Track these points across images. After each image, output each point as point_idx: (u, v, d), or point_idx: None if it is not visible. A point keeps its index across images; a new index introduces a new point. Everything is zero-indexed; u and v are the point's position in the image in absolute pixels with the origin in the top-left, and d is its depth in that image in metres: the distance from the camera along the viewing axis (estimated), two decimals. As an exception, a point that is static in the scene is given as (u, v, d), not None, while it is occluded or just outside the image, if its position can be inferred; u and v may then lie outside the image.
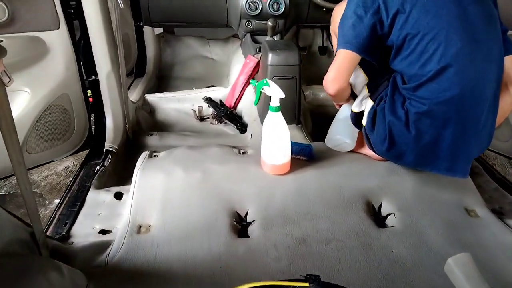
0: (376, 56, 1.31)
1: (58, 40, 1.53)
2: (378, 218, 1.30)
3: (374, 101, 1.37)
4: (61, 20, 1.51)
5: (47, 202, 2.23)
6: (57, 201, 2.22)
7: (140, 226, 1.24)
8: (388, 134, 1.30)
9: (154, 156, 1.51)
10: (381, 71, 1.36)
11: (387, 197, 1.34)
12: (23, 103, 1.48)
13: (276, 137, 1.37)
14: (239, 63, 2.52)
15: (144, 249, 1.15)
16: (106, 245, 1.20)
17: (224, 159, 1.47)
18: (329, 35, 2.98)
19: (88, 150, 1.83)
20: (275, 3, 2.24)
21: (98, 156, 1.74)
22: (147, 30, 2.68)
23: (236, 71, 2.46)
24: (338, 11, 1.43)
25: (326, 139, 1.59)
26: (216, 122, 2.17)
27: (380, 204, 1.34)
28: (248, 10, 2.25)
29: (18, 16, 1.40)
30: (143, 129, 2.06)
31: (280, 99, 1.34)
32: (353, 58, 1.30)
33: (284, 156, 1.39)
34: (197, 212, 1.26)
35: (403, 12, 1.21)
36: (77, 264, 1.09)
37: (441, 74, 1.18)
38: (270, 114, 1.36)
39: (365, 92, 1.40)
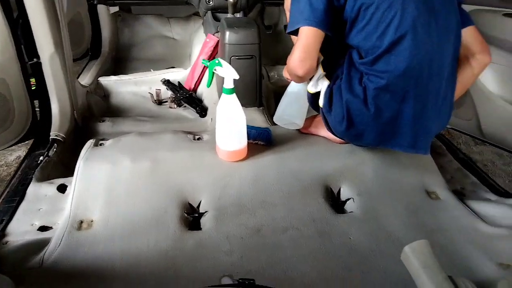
0: (334, 31, 1.23)
1: (-13, 18, 1.38)
2: (337, 204, 1.25)
3: (330, 80, 1.29)
4: (-8, -2, 1.36)
5: (-4, 195, 2.09)
6: (6, 194, 2.09)
7: (82, 222, 1.14)
8: (346, 114, 1.23)
9: (101, 144, 1.40)
10: (336, 48, 1.28)
11: (346, 181, 1.28)
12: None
13: (230, 122, 1.28)
14: (201, 42, 2.39)
15: (84, 246, 1.06)
16: (43, 243, 1.10)
17: (177, 146, 1.38)
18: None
19: (33, 139, 1.70)
20: (236, -22, 2.12)
21: (43, 145, 1.61)
22: (101, 8, 2.51)
23: (198, 51, 2.35)
24: None
25: (274, 117, 1.52)
26: (175, 106, 2.06)
27: (340, 189, 1.28)
28: (207, -14, 2.13)
29: None
30: (95, 115, 1.93)
31: (239, 80, 1.25)
32: (318, 35, 1.20)
33: (239, 141, 1.31)
34: (145, 205, 1.18)
35: None
36: (9, 267, 1.00)
37: (399, 44, 1.13)
38: (223, 97, 1.27)
39: (321, 71, 1.32)
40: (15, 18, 1.52)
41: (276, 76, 2.24)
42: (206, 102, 2.02)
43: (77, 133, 1.74)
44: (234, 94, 1.27)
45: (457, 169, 1.50)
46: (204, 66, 2.07)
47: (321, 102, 1.33)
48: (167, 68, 2.39)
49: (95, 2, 2.41)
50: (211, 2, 2.22)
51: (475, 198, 1.32)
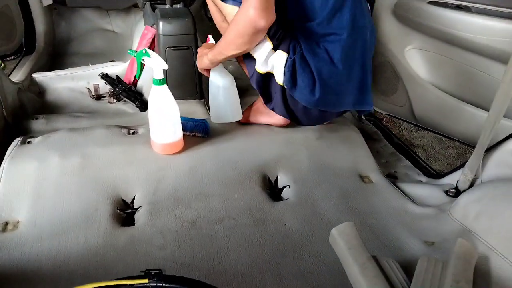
0: None
1: None
2: (274, 192, 1.26)
3: (287, 51, 1.24)
4: None
5: None
6: None
7: (7, 224, 1.08)
8: (319, 80, 1.22)
9: (29, 142, 1.34)
10: (282, 19, 1.22)
11: (283, 169, 1.30)
12: None
13: (162, 113, 1.25)
14: (140, 35, 2.34)
15: (8, 249, 1.01)
16: (-36, 249, 1.03)
17: (109, 141, 1.34)
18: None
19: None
20: (173, -33, 2.08)
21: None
22: (33, 1, 2.38)
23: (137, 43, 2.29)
24: None
25: (211, 118, 1.49)
26: (114, 100, 1.99)
27: (277, 177, 1.29)
28: (144, -25, 2.07)
29: None
30: (29, 113, 1.83)
31: (177, 72, 1.23)
32: None
33: (174, 133, 1.29)
34: (74, 203, 1.13)
35: None
36: None
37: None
38: (154, 88, 1.24)
39: (270, 47, 1.24)
40: None
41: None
42: (146, 95, 1.97)
43: (8, 132, 1.64)
44: (165, 85, 1.25)
45: (391, 153, 1.56)
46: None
47: (280, 79, 1.28)
48: (107, 62, 2.30)
49: (25, -5, 2.28)
50: (149, -7, 2.16)
51: (407, 181, 1.38)
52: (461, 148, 2.26)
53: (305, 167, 1.30)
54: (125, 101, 1.98)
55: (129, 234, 1.07)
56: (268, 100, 1.39)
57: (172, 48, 1.60)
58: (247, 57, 1.33)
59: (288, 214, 1.15)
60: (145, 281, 0.63)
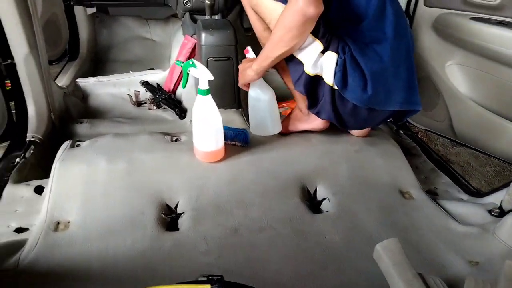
0: None
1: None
2: (313, 203, 1.27)
3: (337, 52, 1.25)
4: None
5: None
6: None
7: (58, 223, 1.14)
8: (371, 79, 1.23)
9: (77, 145, 1.39)
10: (325, 20, 1.26)
11: (322, 181, 1.31)
12: None
13: (206, 123, 1.29)
14: (179, 44, 2.40)
15: (60, 247, 1.06)
16: (19, 245, 1.09)
17: (154, 147, 1.38)
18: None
19: (9, 141, 1.67)
20: (214, -20, 2.13)
21: (20, 147, 1.59)
22: (78, 9, 2.49)
23: (176, 52, 2.35)
24: None
25: (251, 129, 1.52)
26: (154, 107, 2.05)
27: (316, 189, 1.30)
28: (185, -13, 2.13)
29: None
30: (74, 117, 1.91)
31: (216, 82, 1.27)
32: None
33: (216, 142, 1.32)
34: (121, 206, 1.18)
35: None
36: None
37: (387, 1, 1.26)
38: (199, 98, 1.28)
39: (318, 48, 1.25)
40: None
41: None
42: (185, 103, 2.02)
43: (55, 135, 1.71)
44: (210, 95, 1.28)
45: (431, 169, 1.55)
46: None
47: (330, 80, 1.28)
48: (146, 70, 2.38)
49: (72, 3, 2.38)
50: (188, 4, 2.22)
51: (448, 198, 1.36)
52: (499, 166, 2.21)
53: (345, 180, 1.31)
54: (164, 108, 2.04)
55: (174, 238, 1.10)
56: (313, 104, 1.40)
57: (213, 59, 1.64)
58: (291, 62, 1.34)
59: (328, 226, 1.15)
60: (208, 286, 0.65)
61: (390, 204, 1.26)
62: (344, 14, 1.28)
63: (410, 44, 1.33)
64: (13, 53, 1.53)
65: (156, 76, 2.18)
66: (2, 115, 1.58)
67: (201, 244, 1.08)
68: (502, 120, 1.48)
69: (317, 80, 1.32)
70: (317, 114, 1.41)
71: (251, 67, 1.36)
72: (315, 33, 1.25)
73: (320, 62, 1.27)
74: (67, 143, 1.39)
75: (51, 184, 1.23)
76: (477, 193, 1.40)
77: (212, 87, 1.64)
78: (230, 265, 1.02)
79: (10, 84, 1.65)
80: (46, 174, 1.48)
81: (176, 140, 1.46)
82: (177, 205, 1.22)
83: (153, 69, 2.42)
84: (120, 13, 2.60)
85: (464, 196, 1.39)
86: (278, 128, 1.50)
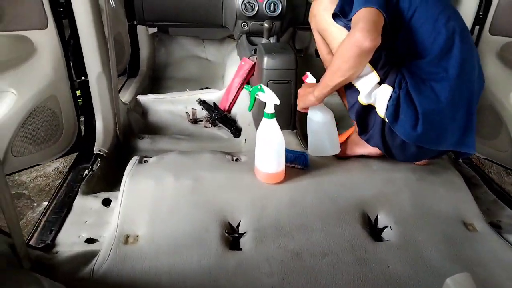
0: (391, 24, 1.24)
1: (45, 39, 1.47)
2: (374, 231, 1.26)
3: (392, 86, 1.26)
4: (49, 19, 1.46)
5: (35, 204, 2.17)
6: (45, 203, 2.17)
7: (128, 236, 1.19)
8: (422, 117, 1.23)
9: (144, 161, 1.46)
10: (387, 52, 1.28)
11: (383, 208, 1.30)
12: (9, 104, 1.43)
13: (270, 145, 1.32)
14: (234, 64, 2.47)
15: (131, 260, 1.10)
16: (91, 255, 1.15)
17: (217, 166, 1.43)
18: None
19: (77, 154, 1.78)
20: (272, 4, 2.20)
21: (87, 159, 1.69)
22: (140, 29, 2.62)
23: (232, 72, 2.41)
24: (319, 6, 1.38)
25: (309, 151, 1.54)
26: (210, 125, 2.12)
27: (377, 216, 1.30)
28: (244, 11, 2.20)
29: (3, 15, 1.34)
30: (135, 132, 2.00)
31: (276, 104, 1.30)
32: (379, 17, 1.18)
33: (278, 164, 1.35)
34: (187, 222, 1.22)
35: None
36: (61, 276, 1.05)
37: (452, 40, 1.25)
38: (264, 121, 1.32)
39: (375, 79, 1.27)
40: (66, 39, 1.62)
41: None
42: (240, 123, 2.08)
43: (119, 149, 1.81)
44: (275, 119, 1.32)
45: (493, 200, 1.50)
46: (239, 88, 2.13)
47: (382, 112, 1.29)
48: (201, 88, 2.46)
49: (135, 23, 2.52)
50: (246, 27, 2.30)
51: (512, 232, 1.32)
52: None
53: (407, 208, 1.30)
54: (220, 126, 2.10)
55: (238, 258, 1.12)
56: (363, 131, 1.41)
57: (273, 82, 1.68)
58: (348, 88, 1.36)
59: (391, 255, 1.14)
60: None
61: (454, 236, 1.23)
62: (407, 48, 1.29)
63: (475, 85, 1.30)
64: (87, 71, 1.64)
65: (212, 95, 2.25)
66: (73, 129, 1.69)
67: (264, 265, 1.10)
68: None
69: (370, 108, 1.33)
70: (367, 141, 1.42)
71: (312, 92, 1.39)
72: (375, 64, 1.26)
73: (375, 93, 1.29)
74: (135, 159, 1.46)
75: (121, 197, 1.29)
76: (545, 229, 1.34)
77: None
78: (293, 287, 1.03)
79: (81, 101, 1.77)
80: (110, 187, 1.57)
81: (236, 160, 1.50)
82: (239, 224, 1.25)
83: (208, 87, 2.50)
84: (179, 34, 2.72)
85: (531, 231, 1.33)
86: (336, 149, 1.51)
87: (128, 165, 1.44)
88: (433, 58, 1.25)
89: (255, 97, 1.34)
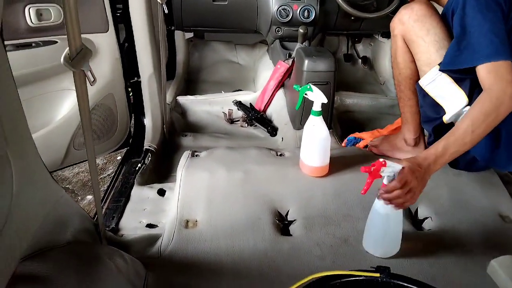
0: None
1: (106, 42, 1.60)
2: (415, 221, 1.34)
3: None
4: (110, 24, 1.58)
5: (79, 198, 2.30)
6: (89, 197, 2.30)
7: (188, 221, 1.29)
8: (503, 141, 1.27)
9: (196, 155, 1.57)
10: (475, 76, 1.21)
11: (423, 201, 1.38)
12: (72, 101, 1.56)
13: (317, 140, 1.42)
14: (266, 68, 2.59)
15: (193, 242, 1.21)
16: (155, 238, 1.26)
17: (263, 160, 1.53)
18: (354, 43, 3.04)
19: (127, 148, 1.90)
20: (306, 11, 2.30)
21: (137, 154, 1.81)
22: (178, 34, 2.75)
23: (263, 76, 2.53)
24: (410, 15, 1.37)
25: (365, 245, 1.21)
26: (246, 125, 2.22)
27: (417, 209, 1.38)
28: (279, 17, 2.31)
29: (72, 19, 1.47)
30: (177, 130, 2.12)
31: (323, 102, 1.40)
32: (510, 68, 1.13)
33: (324, 158, 1.44)
34: (241, 210, 1.32)
35: None
36: (132, 254, 1.15)
37: None
38: (311, 118, 1.42)
39: (464, 101, 1.29)
40: (121, 43, 1.75)
41: (338, 101, 2.36)
42: (276, 122, 2.18)
43: (165, 145, 1.92)
44: (321, 116, 1.42)
45: (526, 196, 1.57)
46: (275, 90, 2.24)
47: None
48: (234, 91, 2.57)
49: (173, 29, 2.65)
50: (280, 32, 2.41)
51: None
52: None
53: (445, 201, 1.38)
54: (255, 126, 2.21)
55: (290, 242, 1.22)
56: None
57: (313, 83, 1.77)
58: (431, 104, 1.39)
59: (433, 243, 1.23)
60: (377, 275, 0.76)
61: (492, 226, 1.31)
62: None
63: None
64: (140, 72, 1.77)
65: (247, 97, 2.36)
66: (126, 125, 1.81)
67: (315, 249, 1.19)
68: None
69: (451, 126, 1.28)
70: None
71: (427, 171, 1.16)
72: (465, 86, 1.29)
73: (460, 114, 1.31)
74: (187, 153, 1.57)
75: (179, 187, 1.40)
76: None
77: (307, 109, 1.80)
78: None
79: (132, 100, 1.89)
80: (160, 179, 1.69)
81: (281, 155, 1.60)
82: (287, 213, 1.35)
83: (241, 90, 2.61)
84: (214, 39, 2.84)
85: None
86: (396, 249, 1.18)
87: (181, 159, 1.55)
88: None
89: (304, 96, 1.44)
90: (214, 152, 1.58)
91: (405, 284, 0.80)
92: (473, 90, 1.27)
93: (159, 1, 1.58)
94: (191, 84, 2.85)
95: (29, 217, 0.75)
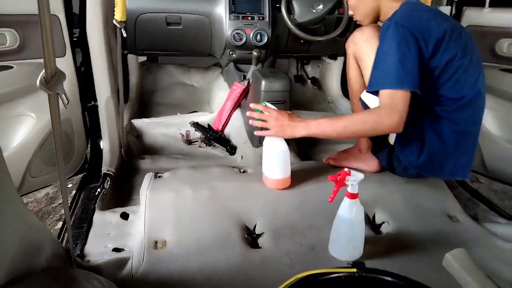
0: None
1: (63, 66, 1.56)
2: (374, 226, 1.43)
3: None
4: (67, 48, 1.57)
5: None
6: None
7: (156, 242, 1.29)
8: (427, 150, 1.41)
9: (159, 177, 1.58)
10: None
11: (380, 207, 1.48)
12: (28, 127, 1.52)
13: (276, 154, 1.49)
14: (220, 90, 2.65)
15: (164, 262, 1.21)
16: (124, 261, 1.24)
17: (227, 177, 1.57)
18: (303, 65, 3.19)
19: (83, 174, 1.86)
20: (259, 35, 2.40)
21: (95, 179, 1.77)
22: (131, 58, 2.75)
23: (219, 97, 2.59)
24: (361, 36, 1.52)
25: (330, 249, 1.29)
26: (204, 145, 2.25)
27: (374, 214, 1.47)
28: (233, 41, 2.39)
29: (28, 43, 1.45)
30: (134, 153, 2.10)
31: None
32: (409, 97, 1.27)
33: (284, 171, 1.51)
34: (210, 227, 1.34)
35: (441, 47, 1.31)
36: (105, 277, 1.13)
37: (474, 100, 1.37)
38: None
39: None
40: (78, 66, 1.73)
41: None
42: (234, 141, 2.22)
43: (123, 168, 1.90)
44: None
45: (468, 198, 1.73)
46: (231, 110, 2.30)
47: (392, 140, 1.49)
48: (189, 112, 2.60)
49: (126, 52, 2.64)
50: (234, 55, 2.48)
51: (487, 222, 1.53)
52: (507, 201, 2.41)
53: (399, 206, 1.48)
54: (214, 145, 2.24)
55: (261, 254, 1.26)
56: (378, 151, 1.60)
57: (270, 103, 1.85)
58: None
59: (392, 245, 1.31)
60: (354, 270, 0.81)
61: (442, 227, 1.42)
62: (429, 96, 1.38)
63: (478, 130, 1.46)
64: (97, 96, 1.76)
65: (204, 118, 2.40)
66: (83, 150, 1.78)
67: (285, 258, 1.24)
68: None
69: (386, 135, 1.50)
70: (378, 158, 1.61)
71: (304, 127, 1.44)
72: None
73: None
74: (150, 175, 1.57)
75: (145, 209, 1.40)
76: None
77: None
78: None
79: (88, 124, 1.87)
80: (120, 203, 1.67)
81: (243, 172, 1.64)
82: (255, 227, 1.39)
83: (196, 111, 2.64)
84: (168, 62, 2.86)
85: (502, 220, 1.56)
86: (359, 253, 1.26)
87: (144, 181, 1.55)
88: (449, 110, 1.38)
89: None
90: (177, 172, 1.59)
91: (380, 276, 0.86)
92: None
93: (118, 26, 1.60)
94: (145, 107, 2.84)
95: (5, 244, 0.73)
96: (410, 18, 1.33)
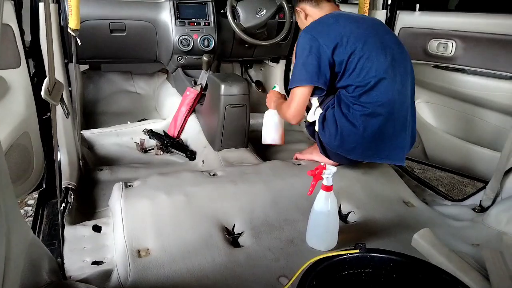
0: (325, 81, 1.60)
1: (18, 78, 1.50)
2: (341, 216, 1.55)
3: (322, 109, 1.68)
4: (22, 58, 1.50)
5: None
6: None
7: (139, 251, 1.29)
8: (340, 133, 1.59)
9: (129, 185, 1.56)
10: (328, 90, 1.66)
11: (344, 198, 1.60)
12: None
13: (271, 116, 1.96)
14: (169, 95, 2.65)
15: (152, 269, 1.21)
16: (108, 273, 1.23)
17: (200, 181, 1.59)
18: (246, 69, 3.29)
19: (40, 190, 1.77)
20: (206, 40, 2.44)
21: (55, 194, 1.69)
22: (72, 67, 2.63)
23: (168, 103, 2.59)
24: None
25: (308, 240, 1.39)
26: (162, 152, 2.24)
27: (340, 205, 1.59)
28: (181, 47, 2.40)
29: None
30: (89, 165, 2.04)
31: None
32: (308, 92, 1.64)
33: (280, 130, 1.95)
34: (191, 230, 1.36)
35: (342, 44, 1.56)
36: (95, 290, 1.12)
37: (378, 84, 1.54)
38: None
39: (317, 104, 1.71)
40: (31, 76, 1.65)
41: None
42: (193, 147, 2.24)
43: (82, 181, 1.84)
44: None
45: (415, 185, 1.92)
46: (187, 115, 2.31)
47: (317, 127, 1.70)
48: (139, 120, 2.56)
49: (66, 62, 2.53)
50: (182, 61, 2.49)
51: (436, 205, 1.73)
52: (448, 186, 2.70)
53: (361, 196, 1.62)
54: (172, 152, 2.24)
55: (245, 252, 1.31)
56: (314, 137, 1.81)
57: (231, 106, 1.91)
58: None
59: (361, 232, 1.44)
60: (357, 251, 0.89)
61: (400, 211, 1.58)
62: (340, 83, 1.63)
63: (394, 113, 1.58)
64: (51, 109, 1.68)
65: (158, 125, 2.38)
66: (42, 165, 1.70)
67: (268, 253, 1.31)
68: (465, 143, 1.91)
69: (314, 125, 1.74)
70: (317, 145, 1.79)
71: (275, 102, 1.92)
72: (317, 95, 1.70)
73: (316, 112, 1.72)
74: (119, 185, 1.54)
75: (122, 219, 1.38)
76: (457, 200, 1.78)
77: (227, 130, 1.93)
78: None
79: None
80: (86, 216, 1.63)
81: (214, 175, 1.68)
82: (233, 227, 1.43)
83: (146, 119, 2.61)
84: (112, 70, 2.78)
85: (448, 203, 1.76)
86: (334, 243, 1.36)
87: (113, 191, 1.52)
88: (355, 94, 1.57)
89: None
90: (148, 180, 1.59)
91: (380, 255, 0.96)
92: (321, 95, 1.69)
93: (73, 34, 1.55)
94: (90, 117, 2.74)
95: (17, 259, 0.72)
96: (316, 25, 1.65)
